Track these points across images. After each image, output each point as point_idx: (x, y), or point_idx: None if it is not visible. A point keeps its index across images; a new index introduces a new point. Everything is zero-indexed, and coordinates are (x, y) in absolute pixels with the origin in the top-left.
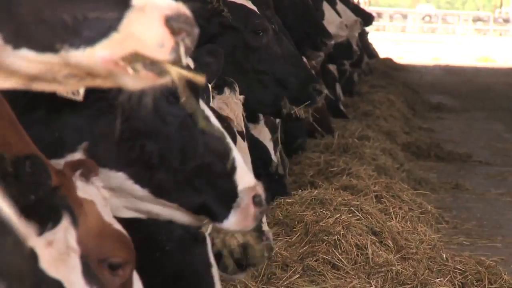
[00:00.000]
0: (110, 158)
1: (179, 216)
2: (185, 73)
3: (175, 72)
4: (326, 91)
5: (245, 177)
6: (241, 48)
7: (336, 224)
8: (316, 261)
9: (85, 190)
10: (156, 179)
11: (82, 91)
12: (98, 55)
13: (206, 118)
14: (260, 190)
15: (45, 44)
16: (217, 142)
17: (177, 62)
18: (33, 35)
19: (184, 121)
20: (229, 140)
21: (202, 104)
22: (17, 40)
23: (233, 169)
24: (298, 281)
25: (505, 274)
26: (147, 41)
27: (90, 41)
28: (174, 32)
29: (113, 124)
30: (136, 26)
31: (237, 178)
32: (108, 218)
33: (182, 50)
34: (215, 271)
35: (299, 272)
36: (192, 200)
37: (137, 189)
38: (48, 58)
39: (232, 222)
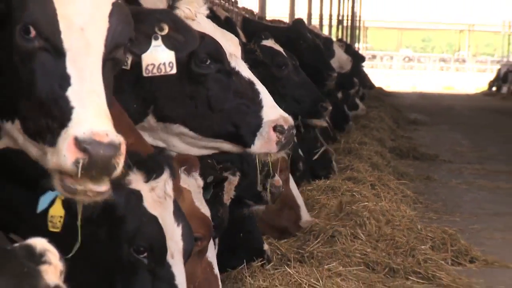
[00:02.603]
0: (169, 115)
1: (223, 146)
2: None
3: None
4: (330, 107)
5: (270, 112)
6: (268, 78)
7: (349, 208)
8: (335, 230)
9: (185, 181)
10: (200, 123)
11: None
12: None
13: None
14: (283, 121)
15: None
16: (246, 88)
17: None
18: None
19: (216, 77)
20: (258, 85)
21: (240, 61)
22: None
23: (261, 106)
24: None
25: (462, 240)
26: None
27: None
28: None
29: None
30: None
31: (263, 113)
32: (199, 203)
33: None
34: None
35: (323, 241)
36: (230, 134)
37: (190, 133)
38: None
39: (257, 146)
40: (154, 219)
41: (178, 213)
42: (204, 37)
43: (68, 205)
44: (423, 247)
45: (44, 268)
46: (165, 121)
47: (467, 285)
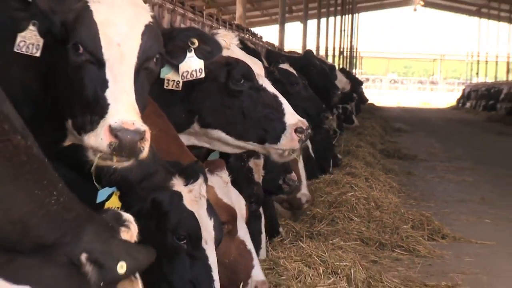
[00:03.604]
0: (210, 122)
1: (251, 146)
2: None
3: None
4: (331, 116)
5: (291, 117)
6: (283, 93)
7: (344, 194)
8: (334, 216)
9: (210, 178)
10: (236, 128)
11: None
12: None
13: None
14: (301, 124)
15: None
16: (272, 100)
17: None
18: None
19: (249, 93)
20: (281, 98)
21: (265, 79)
22: None
23: (283, 114)
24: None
25: (435, 221)
26: None
27: None
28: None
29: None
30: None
31: (285, 119)
32: (222, 195)
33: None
34: (263, 235)
35: (327, 222)
36: (258, 137)
37: (227, 137)
38: None
39: (283, 143)
40: (191, 214)
41: (211, 210)
42: (238, 62)
43: (122, 199)
44: (405, 226)
45: (122, 229)
46: (207, 127)
47: (439, 255)
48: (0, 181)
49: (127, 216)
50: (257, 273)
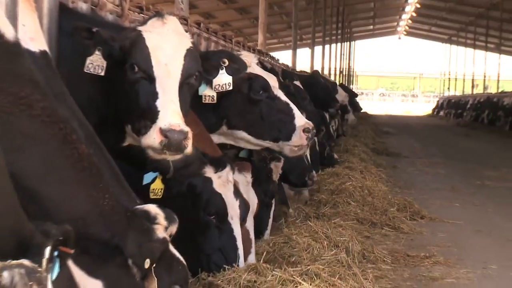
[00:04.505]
0: (236, 125)
1: (268, 144)
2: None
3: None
4: (324, 130)
5: (299, 120)
6: (295, 104)
7: (344, 184)
8: (336, 201)
9: (237, 176)
10: (256, 130)
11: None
12: None
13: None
14: (308, 125)
15: None
16: (284, 107)
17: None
18: None
19: (266, 101)
20: (292, 105)
21: (279, 90)
22: None
23: (293, 116)
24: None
25: (416, 205)
26: None
27: None
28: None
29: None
30: None
31: (295, 122)
32: (242, 191)
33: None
34: (271, 220)
35: (330, 205)
36: (274, 136)
37: (249, 137)
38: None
39: (294, 141)
40: (219, 195)
41: (237, 192)
42: (257, 76)
43: (164, 182)
44: (392, 209)
45: (156, 226)
46: (233, 129)
47: (419, 232)
48: (66, 182)
49: (153, 209)
50: (252, 259)
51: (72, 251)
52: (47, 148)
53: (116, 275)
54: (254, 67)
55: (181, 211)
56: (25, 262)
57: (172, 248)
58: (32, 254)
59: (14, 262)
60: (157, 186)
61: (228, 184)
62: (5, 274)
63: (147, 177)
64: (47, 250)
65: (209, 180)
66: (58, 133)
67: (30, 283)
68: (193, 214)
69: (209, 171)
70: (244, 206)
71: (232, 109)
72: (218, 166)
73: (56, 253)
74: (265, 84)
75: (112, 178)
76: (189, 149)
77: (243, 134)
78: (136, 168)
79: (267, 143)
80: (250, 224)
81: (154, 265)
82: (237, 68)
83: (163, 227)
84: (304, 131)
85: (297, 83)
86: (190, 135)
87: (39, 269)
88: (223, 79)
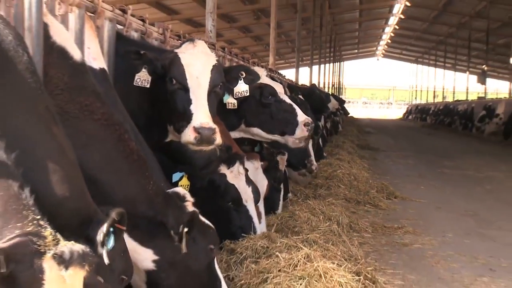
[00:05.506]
0: (252, 123)
1: (276, 138)
2: None
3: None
4: (319, 122)
5: (301, 117)
6: None
7: (335, 171)
8: (330, 185)
9: (247, 164)
10: (267, 126)
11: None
12: None
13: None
14: (308, 120)
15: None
16: (288, 107)
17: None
18: None
19: (274, 104)
20: (294, 105)
21: (284, 95)
22: None
23: (296, 114)
24: (323, 191)
25: (391, 187)
26: None
27: None
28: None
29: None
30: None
31: (298, 118)
32: (251, 176)
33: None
34: (281, 202)
35: (325, 188)
36: (281, 131)
37: (261, 132)
38: None
39: (297, 134)
40: (233, 186)
41: (249, 181)
42: (267, 85)
43: (189, 179)
44: (372, 191)
45: (186, 203)
46: (250, 126)
47: (393, 209)
48: (120, 172)
49: (182, 191)
50: (264, 229)
51: (124, 228)
52: (105, 145)
53: (162, 244)
54: (264, 78)
55: (205, 201)
56: (84, 247)
57: (202, 218)
58: (93, 229)
59: (77, 245)
60: (184, 183)
61: (239, 175)
62: (67, 251)
63: (175, 176)
64: (105, 226)
65: (223, 175)
66: (114, 133)
67: (84, 263)
68: (215, 202)
69: (223, 168)
70: (256, 191)
71: (248, 111)
72: (230, 163)
73: (112, 229)
74: (273, 91)
75: (153, 168)
76: (218, 140)
77: (257, 130)
78: (173, 160)
79: (276, 137)
80: (260, 202)
81: (186, 230)
82: (252, 78)
83: (191, 203)
84: (305, 125)
85: (300, 96)
86: (217, 130)
87: (93, 254)
88: (241, 88)
